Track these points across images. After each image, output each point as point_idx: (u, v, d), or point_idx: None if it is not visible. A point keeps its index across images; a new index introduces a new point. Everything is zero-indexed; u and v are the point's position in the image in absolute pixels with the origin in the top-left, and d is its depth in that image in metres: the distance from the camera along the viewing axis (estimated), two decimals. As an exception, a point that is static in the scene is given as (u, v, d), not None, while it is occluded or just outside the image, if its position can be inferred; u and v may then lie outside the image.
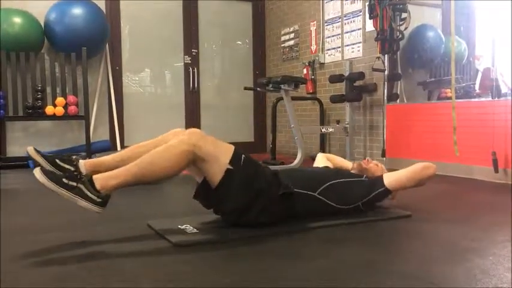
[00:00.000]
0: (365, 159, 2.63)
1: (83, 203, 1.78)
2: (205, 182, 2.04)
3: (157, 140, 2.10)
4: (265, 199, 2.07)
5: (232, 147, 2.05)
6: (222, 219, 2.19)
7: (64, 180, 1.78)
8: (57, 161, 1.93)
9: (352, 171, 2.58)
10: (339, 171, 2.48)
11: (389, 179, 2.37)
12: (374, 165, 2.57)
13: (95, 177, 1.84)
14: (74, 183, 1.78)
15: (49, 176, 1.77)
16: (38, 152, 1.93)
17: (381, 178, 2.38)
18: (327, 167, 2.66)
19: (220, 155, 1.99)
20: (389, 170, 2.58)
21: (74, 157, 1.97)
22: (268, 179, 2.11)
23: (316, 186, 2.25)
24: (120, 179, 1.86)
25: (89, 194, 1.80)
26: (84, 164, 1.97)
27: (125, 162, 1.96)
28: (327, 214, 2.27)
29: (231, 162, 1.99)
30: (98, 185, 1.82)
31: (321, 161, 2.78)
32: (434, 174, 2.39)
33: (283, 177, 2.18)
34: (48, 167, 1.90)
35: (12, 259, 1.74)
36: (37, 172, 1.76)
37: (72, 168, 1.93)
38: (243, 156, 2.05)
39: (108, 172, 1.88)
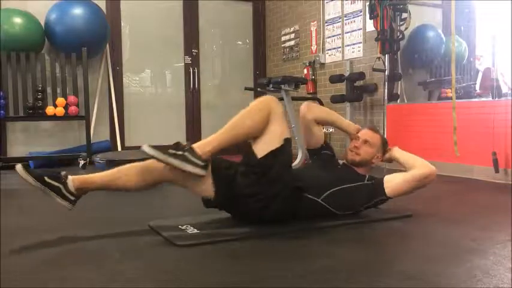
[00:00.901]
0: (352, 141, 2.48)
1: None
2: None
3: (144, 164, 2.06)
4: (277, 194, 2.07)
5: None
6: (231, 208, 2.22)
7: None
8: (45, 178, 1.93)
9: (348, 163, 2.48)
10: (342, 174, 2.39)
11: (391, 186, 2.33)
12: (365, 148, 2.43)
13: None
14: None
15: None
16: (26, 170, 1.93)
17: (382, 184, 2.34)
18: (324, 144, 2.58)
19: (282, 129, 2.08)
20: (389, 170, 2.57)
21: (62, 173, 1.97)
22: (285, 176, 2.10)
23: (321, 191, 2.23)
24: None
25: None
26: (72, 181, 1.98)
27: (114, 181, 2.03)
28: (327, 217, 2.27)
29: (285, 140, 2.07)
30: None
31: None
32: (435, 177, 2.37)
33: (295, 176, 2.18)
34: (37, 185, 1.93)
35: (12, 259, 1.74)
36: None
37: (61, 186, 1.95)
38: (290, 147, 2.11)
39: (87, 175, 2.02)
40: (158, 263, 1.70)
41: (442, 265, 1.62)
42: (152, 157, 1.91)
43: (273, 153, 2.04)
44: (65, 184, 1.95)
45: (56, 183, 1.93)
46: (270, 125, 2.07)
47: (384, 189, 2.33)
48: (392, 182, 2.35)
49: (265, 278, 1.52)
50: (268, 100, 2.10)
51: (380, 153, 2.47)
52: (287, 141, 2.08)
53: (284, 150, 2.06)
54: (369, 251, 1.84)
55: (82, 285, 1.49)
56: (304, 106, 2.48)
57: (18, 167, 1.91)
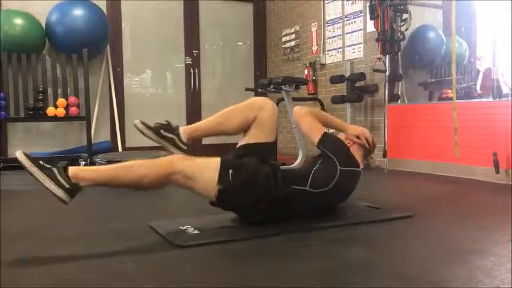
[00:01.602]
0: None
1: (51, 185, 1.79)
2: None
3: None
4: (263, 200, 2.08)
5: (217, 166, 2.03)
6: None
7: (40, 161, 1.84)
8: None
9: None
10: (315, 158, 2.42)
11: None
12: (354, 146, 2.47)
13: (71, 167, 1.87)
14: (48, 166, 1.84)
15: (28, 157, 1.84)
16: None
17: (326, 137, 2.37)
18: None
19: (205, 178, 2.02)
20: (390, 171, 2.57)
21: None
22: (265, 181, 2.10)
23: (305, 179, 2.22)
24: (94, 173, 1.89)
25: (59, 178, 1.81)
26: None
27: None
28: (321, 204, 2.26)
29: (219, 181, 2.01)
30: (70, 173, 1.84)
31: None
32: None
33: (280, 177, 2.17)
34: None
35: (12, 259, 1.74)
36: (18, 152, 1.84)
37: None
38: (230, 171, 2.02)
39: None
40: (159, 263, 1.70)
41: (442, 266, 1.62)
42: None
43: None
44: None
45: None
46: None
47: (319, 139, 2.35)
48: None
49: (266, 278, 1.52)
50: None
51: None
52: (221, 174, 2.02)
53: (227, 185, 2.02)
54: (369, 251, 1.84)
55: (82, 285, 1.49)
56: (295, 114, 2.47)
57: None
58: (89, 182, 1.86)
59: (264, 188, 2.08)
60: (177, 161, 1.98)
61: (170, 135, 2.18)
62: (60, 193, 1.80)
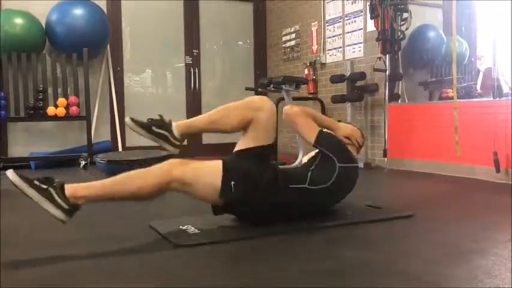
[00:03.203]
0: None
1: (50, 207, 1.75)
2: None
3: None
4: (265, 204, 2.10)
5: (216, 171, 2.02)
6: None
7: (35, 182, 1.76)
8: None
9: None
10: (313, 156, 2.41)
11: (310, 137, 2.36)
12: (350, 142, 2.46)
13: (66, 185, 1.81)
14: (45, 186, 1.76)
15: (22, 177, 1.75)
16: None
17: (323, 135, 2.36)
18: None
19: (205, 184, 2.01)
20: (390, 171, 2.56)
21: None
22: (267, 187, 2.10)
23: (304, 177, 2.21)
24: (91, 190, 1.85)
25: (57, 199, 1.76)
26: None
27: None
28: (321, 201, 2.27)
29: (221, 195, 2.01)
30: (67, 193, 1.79)
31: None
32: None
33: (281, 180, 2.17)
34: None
35: (12, 259, 1.74)
36: (10, 172, 1.74)
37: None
38: (232, 183, 2.01)
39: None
40: (159, 263, 1.70)
41: (443, 265, 1.62)
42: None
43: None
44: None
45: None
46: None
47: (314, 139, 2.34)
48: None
49: (266, 278, 1.52)
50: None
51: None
52: (223, 190, 2.01)
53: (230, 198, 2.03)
54: (369, 251, 1.84)
55: (82, 285, 1.49)
56: (286, 114, 2.44)
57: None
58: (86, 200, 1.84)
59: (266, 193, 2.08)
60: (174, 169, 1.95)
61: (162, 132, 2.11)
62: (59, 214, 1.76)
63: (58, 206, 1.76)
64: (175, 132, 2.14)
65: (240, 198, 2.03)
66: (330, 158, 2.27)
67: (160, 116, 2.17)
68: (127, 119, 2.11)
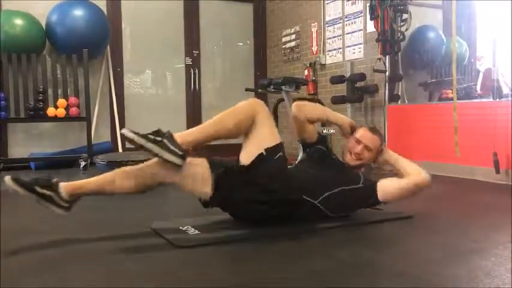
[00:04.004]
0: (350, 151, 2.39)
1: (168, 155, 1.88)
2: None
3: (144, 165, 2.02)
4: (266, 201, 2.07)
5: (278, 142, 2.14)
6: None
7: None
8: (36, 188, 1.88)
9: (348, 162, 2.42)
10: (339, 176, 2.33)
11: (385, 191, 2.30)
12: (366, 154, 2.38)
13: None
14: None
15: (17, 181, 1.85)
16: (16, 181, 1.86)
17: (375, 188, 2.31)
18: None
19: (268, 138, 2.11)
20: (391, 174, 2.56)
21: (54, 180, 1.92)
22: (270, 185, 2.09)
23: (318, 193, 2.19)
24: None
25: (172, 147, 1.89)
26: (64, 188, 1.92)
27: (106, 186, 1.97)
28: (319, 218, 2.25)
29: (267, 150, 2.07)
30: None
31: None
32: (429, 186, 2.33)
33: (291, 181, 2.16)
34: (27, 194, 1.89)
35: (11, 259, 1.74)
36: (125, 130, 1.87)
37: (53, 194, 1.90)
38: (280, 154, 2.10)
39: (76, 182, 1.96)
40: (159, 263, 1.70)
41: (443, 266, 1.62)
42: (131, 140, 1.87)
43: (254, 163, 2.06)
44: (56, 192, 1.90)
45: (48, 192, 1.89)
46: (257, 128, 2.11)
47: (377, 193, 2.30)
48: (387, 187, 2.31)
49: (266, 279, 1.52)
50: (253, 103, 2.14)
51: (377, 154, 2.43)
52: (271, 150, 2.07)
53: (265, 159, 2.05)
54: (369, 252, 1.84)
55: (82, 286, 1.49)
56: (294, 107, 2.42)
57: (7, 178, 1.84)
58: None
59: (275, 187, 2.07)
60: (255, 107, 2.10)
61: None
62: (175, 159, 1.89)
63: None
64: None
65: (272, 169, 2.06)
66: (352, 193, 2.28)
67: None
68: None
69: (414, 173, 2.34)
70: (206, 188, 2.00)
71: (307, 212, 2.19)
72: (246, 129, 2.12)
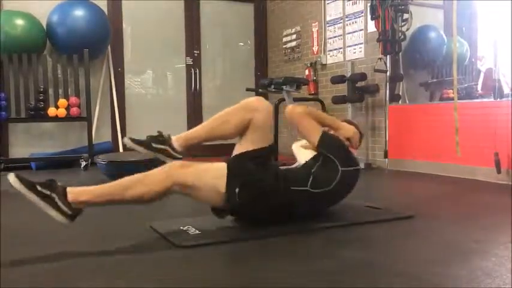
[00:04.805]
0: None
1: (52, 212, 1.78)
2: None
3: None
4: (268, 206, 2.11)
5: (219, 175, 2.02)
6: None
7: (38, 187, 1.78)
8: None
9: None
10: (314, 157, 2.36)
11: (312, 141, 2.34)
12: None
13: (68, 189, 1.84)
14: (48, 192, 1.79)
15: (23, 182, 1.77)
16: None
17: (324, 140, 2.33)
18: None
19: (207, 187, 2.01)
20: (390, 172, 2.56)
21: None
22: (272, 190, 2.11)
23: (305, 180, 2.20)
24: (92, 195, 1.86)
25: (60, 205, 1.79)
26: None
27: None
28: (321, 203, 2.27)
29: (226, 201, 2.02)
30: (70, 198, 1.81)
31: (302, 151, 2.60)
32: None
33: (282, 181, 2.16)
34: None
35: (11, 259, 1.74)
36: (11, 177, 1.76)
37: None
38: (236, 190, 2.01)
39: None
40: (159, 263, 1.70)
41: (443, 266, 1.62)
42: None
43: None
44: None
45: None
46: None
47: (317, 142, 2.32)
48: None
49: (266, 279, 1.52)
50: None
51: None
52: (228, 196, 2.02)
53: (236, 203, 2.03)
54: (369, 252, 1.84)
55: (82, 285, 1.49)
56: (289, 114, 2.42)
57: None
58: (88, 205, 1.87)
59: (268, 196, 2.09)
60: (174, 173, 1.95)
61: (162, 147, 2.10)
62: (61, 219, 1.79)
63: (61, 212, 1.79)
64: (175, 145, 2.13)
65: (244, 204, 2.03)
66: (332, 161, 2.26)
67: (159, 132, 2.15)
68: (125, 140, 2.09)
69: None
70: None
71: (305, 200, 2.18)
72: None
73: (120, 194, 1.91)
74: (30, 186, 1.76)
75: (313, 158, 2.37)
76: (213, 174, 2.03)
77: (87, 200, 1.85)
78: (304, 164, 2.35)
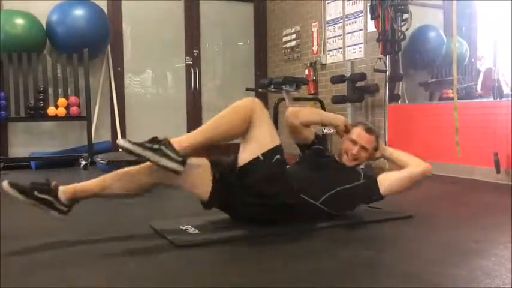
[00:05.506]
0: (346, 150, 2.37)
1: (167, 162, 1.86)
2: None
3: (140, 167, 2.01)
4: (264, 204, 2.07)
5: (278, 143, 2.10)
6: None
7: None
8: (36, 193, 1.86)
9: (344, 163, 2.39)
10: (338, 175, 2.31)
11: (386, 184, 2.30)
12: (362, 154, 2.36)
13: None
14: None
15: (133, 142, 1.86)
16: (15, 186, 1.85)
17: (376, 183, 2.31)
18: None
19: (266, 139, 2.06)
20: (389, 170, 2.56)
21: (53, 184, 1.91)
22: (266, 189, 2.08)
23: (318, 194, 2.19)
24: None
25: (170, 154, 1.87)
26: (63, 192, 1.91)
27: (105, 189, 1.97)
28: (322, 217, 2.25)
29: (264, 154, 2.03)
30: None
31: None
32: (430, 174, 2.36)
33: (291, 182, 2.14)
34: (28, 201, 1.87)
35: (12, 259, 1.74)
36: (121, 141, 1.87)
37: (52, 199, 1.87)
38: (277, 156, 2.05)
39: (76, 185, 1.97)
40: (159, 263, 1.70)
41: (443, 266, 1.62)
42: (127, 151, 1.83)
43: (246, 167, 2.04)
44: (56, 197, 1.88)
45: (48, 197, 1.87)
46: (255, 129, 2.05)
47: (378, 188, 2.31)
48: (387, 181, 2.32)
49: (266, 278, 1.52)
50: (249, 102, 2.07)
51: (373, 151, 2.43)
52: (268, 153, 2.03)
53: (262, 163, 2.02)
54: (369, 252, 1.84)
55: (83, 285, 1.49)
56: (289, 114, 2.40)
57: (5, 184, 1.83)
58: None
59: (281, 183, 2.07)
60: (254, 106, 2.05)
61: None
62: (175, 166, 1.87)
63: (173, 160, 1.87)
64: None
65: (267, 172, 2.04)
66: (360, 200, 2.35)
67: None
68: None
69: (412, 163, 2.36)
70: (205, 192, 2.02)
71: (309, 211, 2.19)
72: (242, 132, 2.06)
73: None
74: (141, 144, 1.86)
75: (348, 181, 2.31)
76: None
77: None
78: (328, 178, 2.28)
